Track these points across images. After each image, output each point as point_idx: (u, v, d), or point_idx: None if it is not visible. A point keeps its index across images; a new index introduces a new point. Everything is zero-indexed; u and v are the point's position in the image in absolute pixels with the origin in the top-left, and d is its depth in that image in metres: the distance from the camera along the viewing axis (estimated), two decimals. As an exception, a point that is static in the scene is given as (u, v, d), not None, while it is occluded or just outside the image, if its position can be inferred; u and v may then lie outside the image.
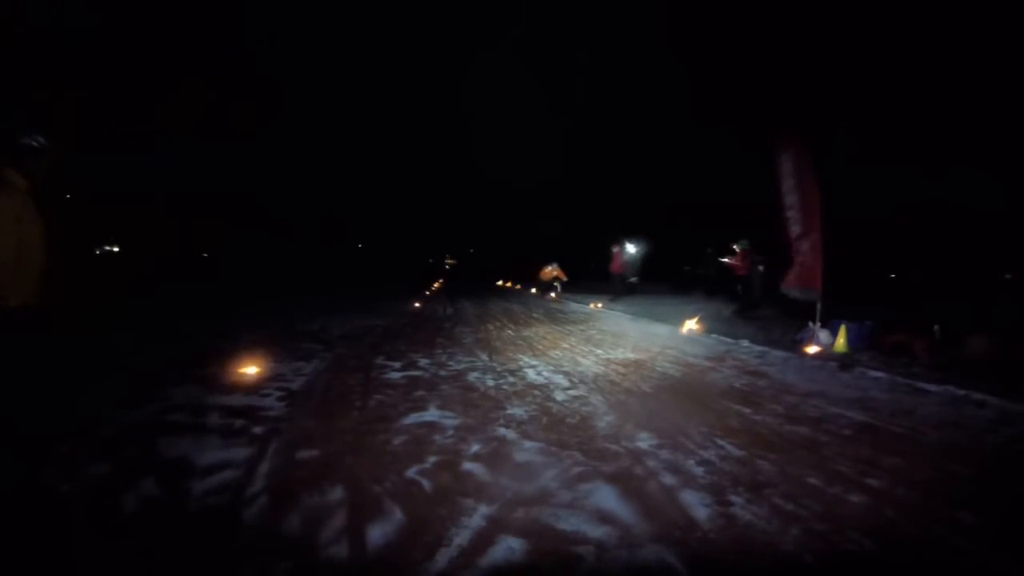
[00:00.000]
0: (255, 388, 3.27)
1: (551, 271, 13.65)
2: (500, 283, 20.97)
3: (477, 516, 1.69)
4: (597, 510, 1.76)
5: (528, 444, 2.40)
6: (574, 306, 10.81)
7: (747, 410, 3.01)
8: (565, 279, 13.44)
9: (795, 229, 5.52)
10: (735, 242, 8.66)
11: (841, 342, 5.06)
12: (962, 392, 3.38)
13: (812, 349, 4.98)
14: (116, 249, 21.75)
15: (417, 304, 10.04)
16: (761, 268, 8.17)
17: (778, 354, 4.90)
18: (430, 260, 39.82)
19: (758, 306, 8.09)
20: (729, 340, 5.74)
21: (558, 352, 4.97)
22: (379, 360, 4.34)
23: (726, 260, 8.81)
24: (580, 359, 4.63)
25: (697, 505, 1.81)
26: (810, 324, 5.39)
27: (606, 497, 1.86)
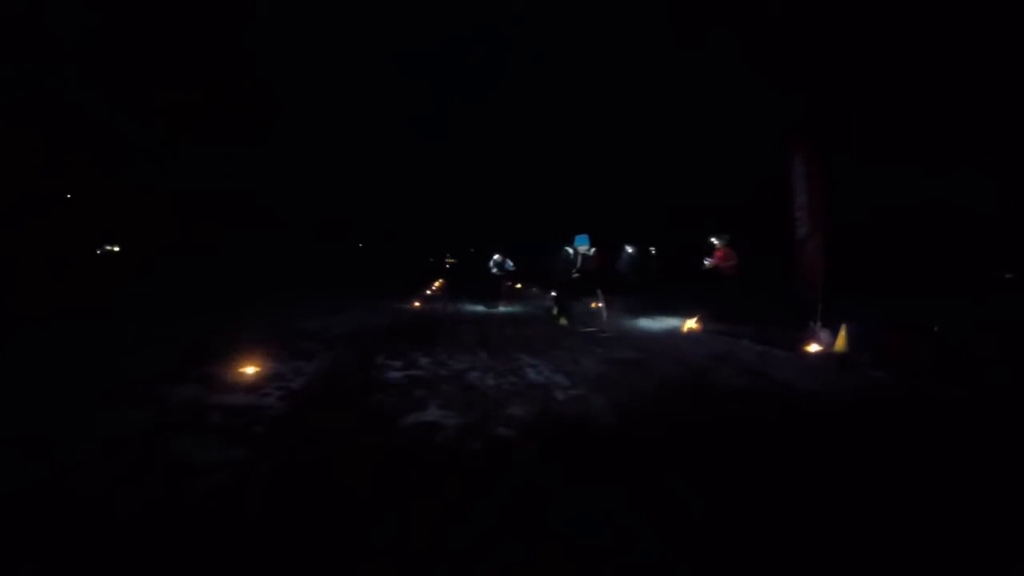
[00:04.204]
0: (256, 387, 3.27)
1: None
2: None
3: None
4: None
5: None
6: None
7: (748, 409, 3.01)
8: None
9: (803, 229, 5.63)
10: (716, 237, 7.91)
11: (842, 342, 5.06)
12: (962, 392, 3.38)
13: (813, 349, 4.98)
14: (116, 249, 21.74)
15: (417, 304, 10.05)
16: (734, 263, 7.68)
17: (779, 354, 4.90)
18: (431, 259, 39.78)
19: (740, 306, 7.37)
20: (729, 339, 5.74)
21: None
22: (379, 360, 4.35)
23: (708, 261, 7.92)
24: (580, 358, 4.63)
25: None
26: (811, 324, 5.39)
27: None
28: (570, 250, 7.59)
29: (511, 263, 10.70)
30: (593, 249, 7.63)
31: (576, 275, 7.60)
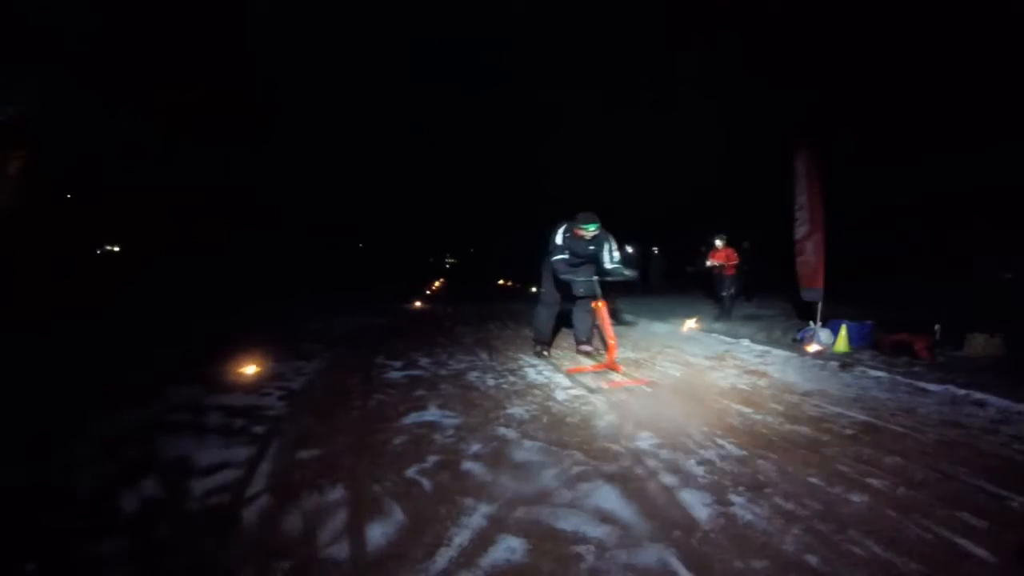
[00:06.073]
0: (256, 387, 3.27)
1: None
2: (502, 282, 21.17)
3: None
4: (597, 509, 1.77)
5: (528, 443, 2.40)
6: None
7: (748, 409, 3.01)
8: None
9: (802, 229, 5.65)
10: (716, 236, 7.86)
11: (842, 342, 5.06)
12: (962, 392, 3.38)
13: (813, 348, 4.98)
14: (116, 249, 21.73)
15: (418, 304, 10.05)
16: (746, 267, 7.76)
17: (779, 353, 4.90)
18: (431, 259, 39.79)
19: (732, 308, 7.51)
20: (729, 339, 5.74)
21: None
22: (379, 360, 4.35)
23: (710, 263, 7.87)
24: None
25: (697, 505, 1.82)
26: (811, 324, 5.40)
27: (607, 497, 1.86)
28: None
29: (617, 251, 4.32)
30: None
31: None
